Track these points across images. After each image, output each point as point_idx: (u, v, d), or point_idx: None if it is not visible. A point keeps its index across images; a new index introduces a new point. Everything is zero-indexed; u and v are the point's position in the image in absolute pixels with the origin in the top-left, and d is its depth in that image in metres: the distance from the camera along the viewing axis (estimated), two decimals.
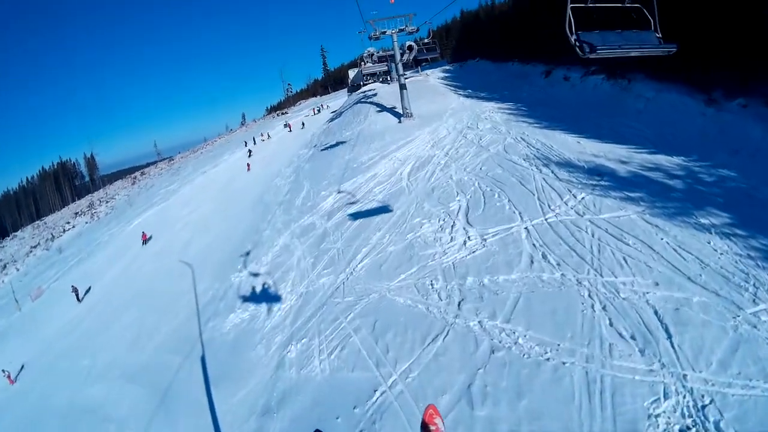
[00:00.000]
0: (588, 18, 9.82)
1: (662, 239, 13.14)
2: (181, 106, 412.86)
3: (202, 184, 59.36)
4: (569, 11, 9.33)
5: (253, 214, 33.88)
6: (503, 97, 39.09)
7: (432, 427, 5.74)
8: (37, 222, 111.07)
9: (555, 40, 41.18)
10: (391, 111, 40.72)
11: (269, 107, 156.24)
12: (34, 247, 76.35)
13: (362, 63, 56.44)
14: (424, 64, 57.88)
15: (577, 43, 9.39)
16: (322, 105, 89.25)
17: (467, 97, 42.79)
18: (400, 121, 37.26)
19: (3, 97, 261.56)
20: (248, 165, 49.70)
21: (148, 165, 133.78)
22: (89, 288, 36.22)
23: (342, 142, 38.39)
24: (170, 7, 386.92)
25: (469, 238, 16.26)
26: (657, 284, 11.52)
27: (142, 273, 34.62)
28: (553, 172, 19.74)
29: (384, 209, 21.28)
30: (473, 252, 15.28)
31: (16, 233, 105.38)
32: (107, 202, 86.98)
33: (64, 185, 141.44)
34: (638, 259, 12.54)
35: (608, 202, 15.94)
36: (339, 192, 26.83)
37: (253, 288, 20.76)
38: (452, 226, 17.55)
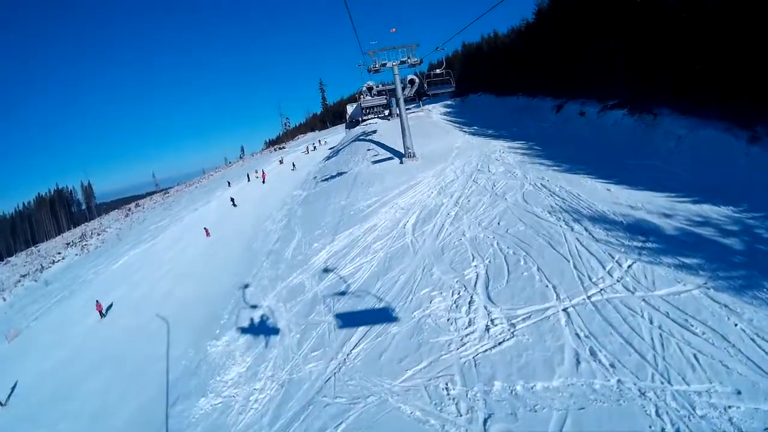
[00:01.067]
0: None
1: (736, 325, 10.35)
2: (180, 137, 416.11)
3: (192, 222, 56.06)
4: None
5: (239, 263, 30.82)
6: (513, 135, 36.36)
7: None
8: (31, 248, 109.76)
9: (566, 71, 39.06)
10: (392, 150, 37.94)
11: (267, 141, 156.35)
12: (24, 276, 74.26)
13: (361, 97, 53.62)
14: (433, 96, 55.31)
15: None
16: (318, 141, 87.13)
17: (473, 134, 40.08)
18: (401, 162, 34.45)
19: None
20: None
21: (145, 195, 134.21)
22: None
23: (338, 176, 36.39)
24: (172, 38, 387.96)
25: (492, 321, 12.89)
26: (739, 393, 8.74)
27: (116, 327, 31.26)
28: (586, 229, 16.76)
29: (384, 274, 18.22)
30: (499, 343, 11.93)
31: (9, 258, 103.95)
32: (98, 234, 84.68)
33: (60, 212, 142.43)
34: (712, 356, 9.69)
35: (661, 272, 12.95)
36: (333, 244, 23.78)
37: (230, 364, 17.47)
38: (470, 302, 14.22)
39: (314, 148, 79.95)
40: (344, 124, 68.48)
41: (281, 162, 75.74)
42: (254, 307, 21.31)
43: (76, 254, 74.92)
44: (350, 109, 65.79)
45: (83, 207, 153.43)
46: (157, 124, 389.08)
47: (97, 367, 25.78)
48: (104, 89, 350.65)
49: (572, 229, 16.97)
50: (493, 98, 60.77)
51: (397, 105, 36.79)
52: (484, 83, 67.48)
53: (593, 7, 34.13)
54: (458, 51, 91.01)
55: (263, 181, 62.75)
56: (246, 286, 24.63)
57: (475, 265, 16.39)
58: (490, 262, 16.33)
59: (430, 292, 15.59)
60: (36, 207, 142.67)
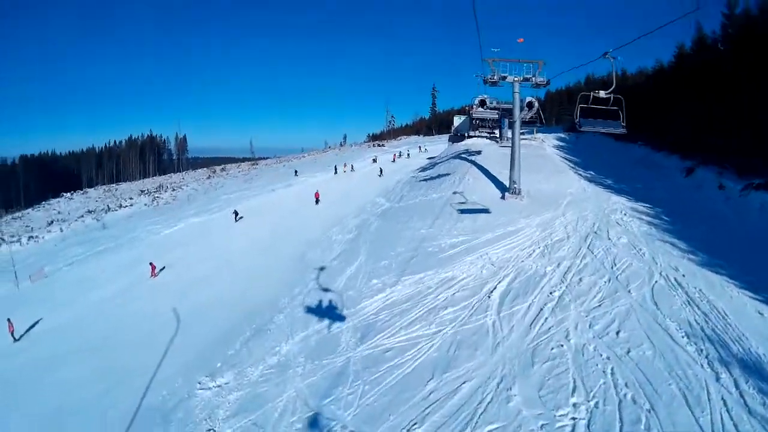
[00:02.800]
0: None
1: None
2: (285, 110, 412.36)
3: (262, 205, 52.81)
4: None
5: (286, 273, 26.65)
6: (636, 192, 30.28)
7: None
8: (112, 185, 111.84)
9: (700, 128, 32.70)
10: (495, 179, 32.43)
11: (370, 135, 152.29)
12: (90, 212, 75.64)
13: (472, 109, 48.24)
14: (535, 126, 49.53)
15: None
16: (419, 147, 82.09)
17: (590, 180, 34.13)
18: (503, 197, 29.16)
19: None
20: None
21: (241, 160, 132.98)
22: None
23: (428, 196, 32.16)
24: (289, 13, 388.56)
25: None
26: None
27: (126, 310, 28.20)
28: (737, 384, 11.05)
29: (444, 369, 13.19)
30: None
31: (89, 190, 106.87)
32: (173, 190, 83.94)
33: (149, 158, 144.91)
34: None
35: None
36: (395, 288, 18.97)
37: (206, 426, 13.22)
38: None
39: (408, 155, 74.31)
40: (448, 135, 62.67)
41: (374, 161, 71.60)
42: (271, 348, 17.02)
43: (146, 204, 75.64)
44: (457, 121, 59.60)
45: (174, 157, 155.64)
46: (264, 90, 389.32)
47: (75, 353, 23.10)
48: (222, 50, 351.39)
49: (718, 378, 11.30)
50: (611, 141, 53.78)
51: (511, 127, 31.62)
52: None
53: (748, 53, 28.51)
54: (581, 83, 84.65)
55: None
56: (278, 310, 20.64)
57: (575, 404, 11.02)
58: (597, 405, 10.89)
59: None
60: (126, 147, 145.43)
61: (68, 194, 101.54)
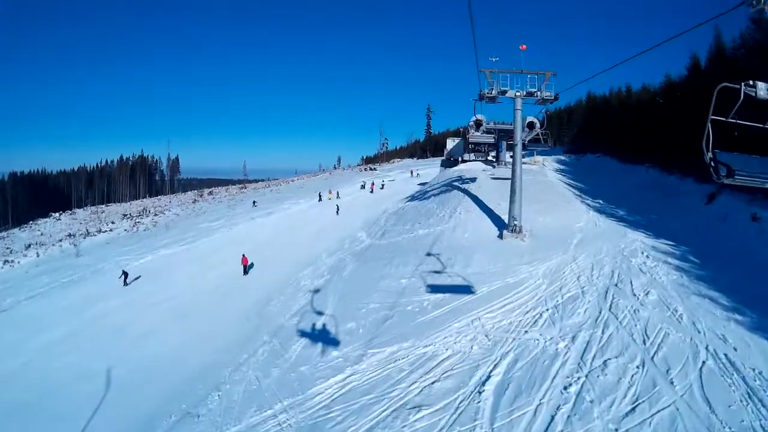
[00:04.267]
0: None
1: None
2: (279, 132, 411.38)
3: (236, 237, 48.36)
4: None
5: (238, 330, 22.85)
6: (653, 225, 25.95)
7: None
8: (99, 206, 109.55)
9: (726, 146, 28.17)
10: (491, 213, 28.03)
11: (364, 157, 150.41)
12: (70, 236, 73.02)
13: (468, 132, 43.61)
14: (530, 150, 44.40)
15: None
16: (411, 172, 77.65)
17: (599, 212, 29.73)
18: (501, 236, 24.69)
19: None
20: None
21: (236, 182, 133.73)
22: None
23: (412, 233, 28.38)
24: (279, 33, 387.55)
25: None
26: None
27: (60, 364, 23.84)
28: None
29: None
30: None
31: (77, 210, 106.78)
32: (155, 214, 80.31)
33: (140, 178, 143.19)
34: None
35: None
36: (357, 368, 14.57)
37: None
38: None
39: (382, 186, 68.09)
40: (441, 160, 57.71)
41: (363, 187, 67.23)
42: None
43: (125, 229, 71.72)
44: (450, 144, 54.41)
45: (166, 179, 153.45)
46: (258, 114, 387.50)
47: None
48: (210, 66, 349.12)
49: None
50: (615, 163, 49.69)
51: (512, 151, 27.41)
52: (606, 143, 56.75)
53: None
54: (582, 100, 79.74)
55: (337, 211, 54.05)
56: (216, 387, 16.54)
57: None
58: None
59: None
60: (117, 168, 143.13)
61: (56, 215, 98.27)
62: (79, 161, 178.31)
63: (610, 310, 15.70)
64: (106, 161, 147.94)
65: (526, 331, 14.96)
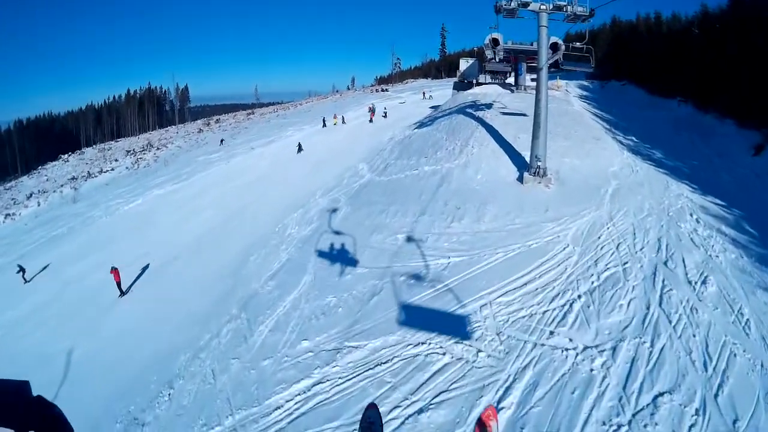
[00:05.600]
0: None
1: None
2: (292, 54, 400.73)
3: (231, 171, 44.63)
4: None
5: (206, 298, 19.43)
6: (696, 175, 21.43)
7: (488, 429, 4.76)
8: (107, 143, 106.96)
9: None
10: (509, 149, 23.50)
11: (378, 77, 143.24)
12: (72, 179, 71.52)
13: (484, 52, 38.05)
14: (567, 71, 38.01)
15: None
16: (423, 93, 71.54)
17: (634, 152, 24.96)
18: (521, 179, 20.33)
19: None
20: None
21: (242, 107, 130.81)
22: None
23: (416, 168, 24.85)
24: None
25: None
26: None
27: (18, 347, 21.03)
28: None
29: None
30: None
31: (85, 150, 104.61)
32: (158, 148, 77.17)
33: (148, 111, 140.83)
34: None
35: None
36: (327, 374, 10.96)
37: None
38: None
39: (384, 114, 58.82)
40: (453, 82, 52.16)
41: (370, 110, 60.35)
42: None
43: (127, 167, 69.30)
44: (464, 64, 48.44)
45: (177, 108, 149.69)
46: (269, 37, 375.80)
47: None
48: None
49: None
50: (642, 94, 44.20)
51: (537, 76, 21.69)
52: (632, 72, 50.51)
53: None
54: (606, 25, 72.88)
55: (299, 149, 48.32)
56: (165, 383, 13.70)
57: None
58: None
59: None
60: (125, 102, 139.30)
61: (65, 156, 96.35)
62: (86, 100, 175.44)
63: (660, 305, 11.66)
64: (114, 97, 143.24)
65: (551, 332, 11.01)
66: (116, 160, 77.44)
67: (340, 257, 17.03)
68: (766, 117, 24.42)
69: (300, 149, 46.40)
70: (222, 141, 64.75)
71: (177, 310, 19.24)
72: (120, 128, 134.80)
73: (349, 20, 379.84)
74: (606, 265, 13.65)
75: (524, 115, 26.04)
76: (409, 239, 16.62)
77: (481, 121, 27.83)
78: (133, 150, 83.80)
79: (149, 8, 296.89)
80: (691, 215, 16.88)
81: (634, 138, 28.14)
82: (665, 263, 13.53)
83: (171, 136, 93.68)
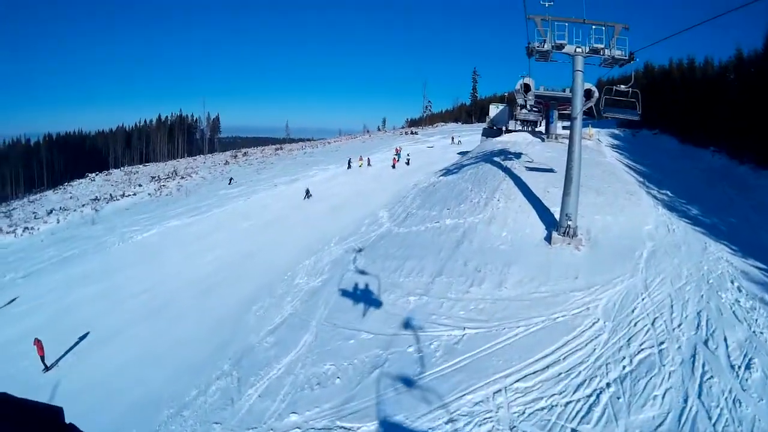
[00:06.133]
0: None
1: None
2: (322, 90, 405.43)
3: (249, 209, 43.22)
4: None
5: (200, 348, 18.20)
6: (735, 233, 20.20)
7: None
8: (134, 167, 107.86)
9: None
10: (538, 204, 22.05)
11: (408, 120, 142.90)
12: (94, 200, 70.76)
13: (515, 97, 36.19)
14: (604, 118, 35.60)
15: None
16: (452, 138, 70.55)
17: (669, 208, 23.43)
18: (549, 239, 18.74)
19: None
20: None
21: (273, 141, 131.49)
22: None
23: (437, 222, 23.22)
24: None
25: None
26: None
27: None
28: None
29: None
30: None
31: (112, 171, 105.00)
32: (182, 177, 77.17)
33: (178, 138, 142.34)
34: None
35: None
36: None
37: None
38: None
39: (407, 161, 56.00)
40: (482, 128, 50.83)
41: (397, 152, 59.22)
42: None
43: (149, 194, 68.63)
44: (494, 110, 47.53)
45: (207, 137, 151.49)
46: (301, 70, 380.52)
47: None
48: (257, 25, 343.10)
49: None
50: (674, 143, 42.95)
51: (570, 125, 20.28)
52: (664, 120, 49.48)
53: None
54: (639, 71, 71.12)
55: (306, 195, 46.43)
56: None
57: None
58: None
59: None
60: (156, 127, 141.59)
61: (92, 175, 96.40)
62: (117, 121, 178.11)
63: (699, 396, 10.23)
64: (145, 121, 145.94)
65: (572, 430, 9.54)
66: (140, 185, 77.44)
67: (346, 318, 15.73)
68: None
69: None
70: (231, 180, 62.89)
71: (176, 351, 18.39)
72: (149, 152, 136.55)
73: (382, 61, 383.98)
74: (640, 345, 12.20)
75: (552, 171, 24.82)
76: (423, 303, 15.26)
77: (509, 172, 26.47)
78: (158, 176, 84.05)
79: (186, 36, 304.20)
80: (732, 282, 15.42)
81: (668, 192, 26.62)
82: (705, 343, 12.16)
83: (197, 166, 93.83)
